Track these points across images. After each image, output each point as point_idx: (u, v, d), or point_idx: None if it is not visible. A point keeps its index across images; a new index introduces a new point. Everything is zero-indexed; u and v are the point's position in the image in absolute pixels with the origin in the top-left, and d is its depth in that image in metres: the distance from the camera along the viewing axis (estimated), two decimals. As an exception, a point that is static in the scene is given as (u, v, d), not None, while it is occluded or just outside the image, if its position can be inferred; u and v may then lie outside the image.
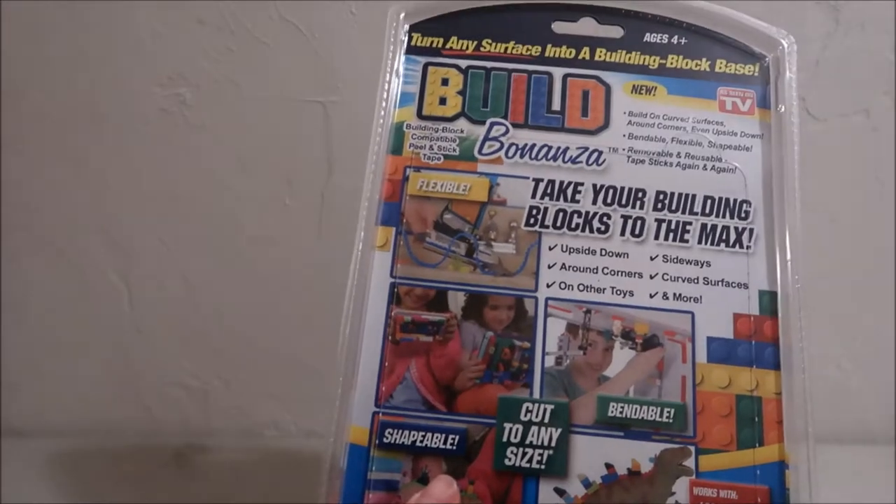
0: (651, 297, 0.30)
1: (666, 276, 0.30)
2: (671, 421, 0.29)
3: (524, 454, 0.28)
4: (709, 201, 0.31)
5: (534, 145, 0.32)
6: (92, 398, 0.60)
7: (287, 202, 0.56)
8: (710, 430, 0.29)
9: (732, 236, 0.31)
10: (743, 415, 0.29)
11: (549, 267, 0.31)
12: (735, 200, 0.31)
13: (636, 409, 0.29)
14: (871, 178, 0.55)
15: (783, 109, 0.32)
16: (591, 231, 0.31)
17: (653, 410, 0.29)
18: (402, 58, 0.33)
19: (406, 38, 0.34)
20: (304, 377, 0.59)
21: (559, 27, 0.34)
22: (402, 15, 0.34)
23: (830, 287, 0.55)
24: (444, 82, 0.33)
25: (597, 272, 0.31)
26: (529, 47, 0.34)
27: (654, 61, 0.33)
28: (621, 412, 0.29)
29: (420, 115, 0.33)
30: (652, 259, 0.31)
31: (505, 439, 0.29)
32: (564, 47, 0.34)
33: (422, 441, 0.29)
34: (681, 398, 0.29)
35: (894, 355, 0.56)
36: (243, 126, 0.55)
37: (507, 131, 0.32)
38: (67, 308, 0.58)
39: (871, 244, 0.56)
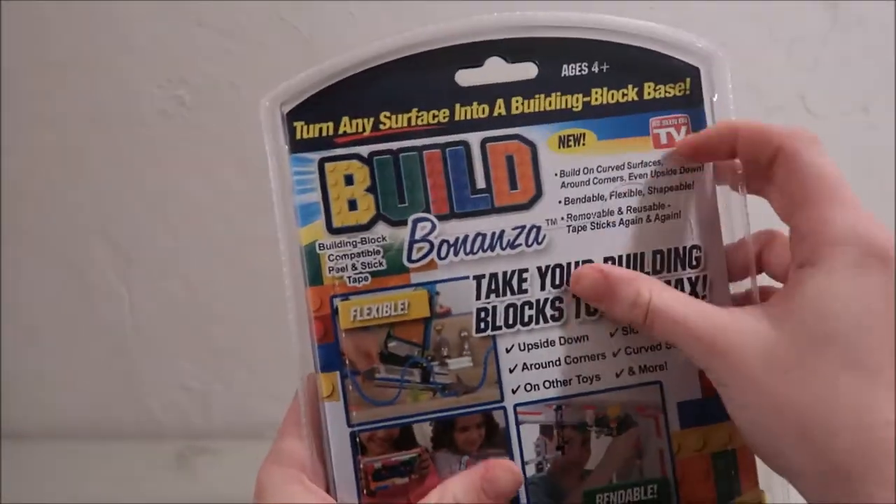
0: (617, 375, 0.29)
1: (629, 350, 0.29)
2: (656, 497, 0.29)
3: (526, 570, 0.29)
4: (658, 257, 0.29)
5: (466, 237, 0.29)
6: (92, 399, 0.62)
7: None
8: (693, 496, 0.29)
9: (687, 289, 0.29)
10: (720, 471, 0.29)
11: (511, 371, 0.29)
12: (684, 249, 0.30)
13: (621, 494, 0.29)
14: (870, 176, 0.55)
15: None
16: (546, 321, 0.29)
17: (637, 491, 0.29)
18: (289, 159, 0.28)
19: (288, 132, 0.28)
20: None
21: (464, 77, 0.29)
22: (281, 104, 0.28)
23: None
24: (349, 180, 0.28)
25: (559, 364, 0.29)
26: (436, 113, 0.29)
27: (578, 101, 0.29)
28: (608, 501, 0.29)
29: (331, 229, 0.28)
30: (612, 335, 0.29)
31: (504, 561, 0.28)
32: (475, 104, 0.29)
33: (423, 585, 0.28)
34: (661, 472, 0.29)
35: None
36: (243, 127, 0.54)
37: (434, 227, 0.28)
38: (67, 309, 0.59)
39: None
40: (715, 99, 0.30)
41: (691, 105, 0.30)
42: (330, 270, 0.28)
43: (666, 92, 0.30)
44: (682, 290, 0.29)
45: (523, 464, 0.29)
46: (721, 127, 0.28)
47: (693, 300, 0.26)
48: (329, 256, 0.28)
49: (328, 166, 0.28)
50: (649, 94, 0.30)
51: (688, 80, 0.30)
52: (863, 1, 0.52)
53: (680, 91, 0.30)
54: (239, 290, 0.60)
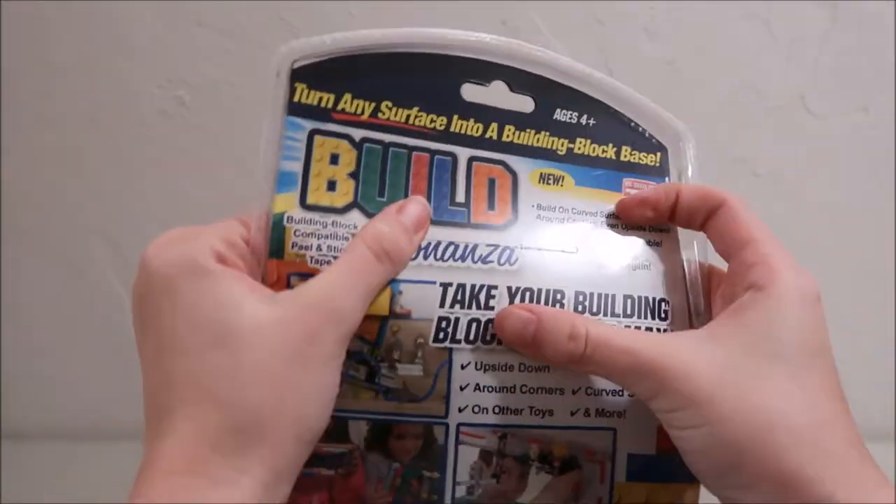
0: (572, 414, 0.28)
1: (589, 391, 0.28)
2: None
3: None
4: (629, 301, 0.29)
5: (438, 243, 0.28)
6: (92, 399, 0.60)
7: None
8: None
9: None
10: None
11: (462, 389, 0.27)
12: (654, 300, 0.29)
13: (550, 537, 0.28)
14: (870, 176, 0.55)
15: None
16: None
17: None
18: (284, 120, 0.27)
19: (287, 92, 0.27)
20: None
21: (469, 92, 0.29)
22: (294, 60, 0.27)
23: (830, 284, 0.57)
24: (334, 159, 0.27)
25: (514, 391, 0.28)
26: (434, 118, 0.28)
27: (563, 145, 0.30)
28: (536, 543, 0.27)
29: (304, 205, 0.27)
30: (574, 371, 0.28)
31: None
32: (472, 121, 0.29)
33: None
34: None
35: (894, 351, 0.57)
36: (243, 128, 0.53)
37: None
38: (67, 309, 0.59)
39: (871, 241, 0.56)
40: (687, 177, 0.31)
41: (661, 175, 0.32)
42: (293, 246, 0.27)
43: (640, 158, 0.31)
44: None
45: (455, 484, 0.27)
46: (665, 186, 0.30)
47: (629, 330, 0.27)
48: (295, 231, 0.27)
49: (317, 139, 0.27)
50: (625, 156, 0.31)
51: (658, 154, 0.32)
52: (863, 1, 0.52)
53: (651, 162, 0.31)
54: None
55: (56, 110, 0.55)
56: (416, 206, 0.27)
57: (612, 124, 0.31)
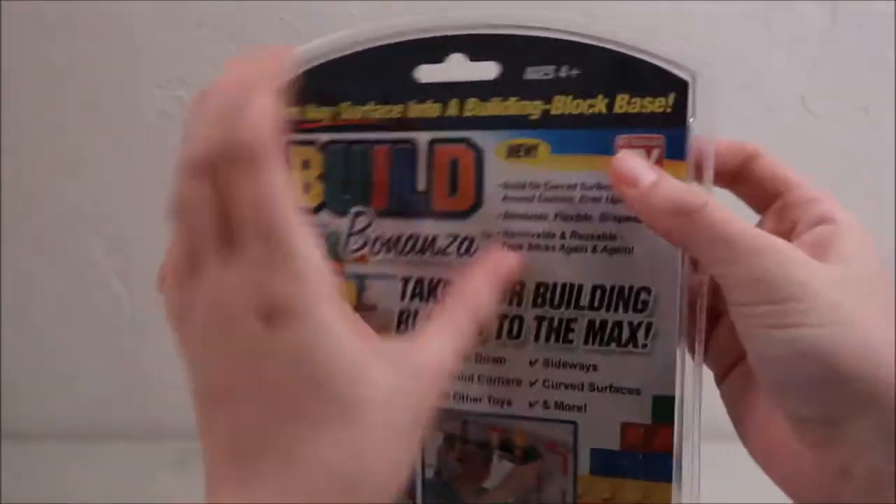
0: (531, 405, 0.28)
1: (547, 383, 0.28)
2: None
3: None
4: (598, 292, 0.27)
5: (399, 237, 0.28)
6: (92, 399, 0.62)
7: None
8: None
9: (625, 334, 0.27)
10: None
11: None
12: (631, 289, 0.27)
13: (515, 523, 0.28)
14: (870, 176, 0.54)
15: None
16: None
17: None
18: None
19: None
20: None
21: (424, 73, 0.28)
22: None
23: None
24: (306, 165, 0.29)
25: (472, 380, 0.28)
26: (391, 107, 0.28)
27: (536, 108, 0.27)
28: (501, 527, 0.28)
29: None
30: (531, 364, 0.28)
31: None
32: (430, 102, 0.28)
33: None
34: None
35: (894, 351, 0.56)
36: None
37: (371, 222, 0.28)
38: (68, 309, 0.60)
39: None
40: (692, 121, 0.26)
41: (671, 124, 0.26)
42: None
43: (642, 107, 0.26)
44: (621, 334, 0.27)
45: (424, 465, 0.29)
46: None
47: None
48: None
49: (292, 150, 0.29)
50: (621, 107, 0.26)
51: (672, 95, 0.26)
52: (863, 1, 0.52)
53: (659, 107, 0.26)
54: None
55: (56, 110, 0.56)
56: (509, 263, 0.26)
57: (604, 69, 0.26)
